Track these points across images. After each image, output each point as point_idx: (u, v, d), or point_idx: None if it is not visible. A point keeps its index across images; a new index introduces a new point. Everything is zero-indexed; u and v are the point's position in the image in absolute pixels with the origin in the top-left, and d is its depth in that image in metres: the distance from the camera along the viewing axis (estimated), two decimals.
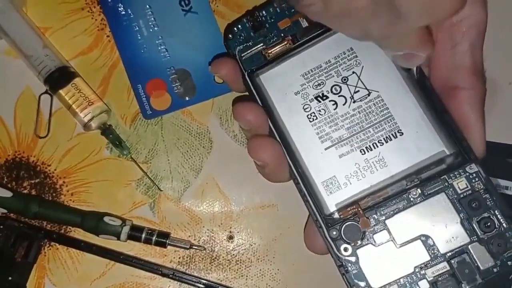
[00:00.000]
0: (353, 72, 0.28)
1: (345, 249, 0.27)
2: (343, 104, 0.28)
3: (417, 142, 0.27)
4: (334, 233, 0.27)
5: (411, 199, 0.27)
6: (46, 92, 0.35)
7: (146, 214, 0.36)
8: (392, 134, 0.27)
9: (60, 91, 0.34)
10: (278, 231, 0.36)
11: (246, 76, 0.30)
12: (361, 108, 0.27)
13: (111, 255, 0.34)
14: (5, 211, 0.34)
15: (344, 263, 0.27)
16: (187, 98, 0.36)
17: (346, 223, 0.27)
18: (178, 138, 0.36)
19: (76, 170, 0.35)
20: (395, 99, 0.27)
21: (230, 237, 0.36)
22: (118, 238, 0.34)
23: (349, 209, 0.27)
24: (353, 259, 0.27)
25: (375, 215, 0.27)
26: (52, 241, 0.35)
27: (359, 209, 0.27)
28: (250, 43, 0.30)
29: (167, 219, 0.36)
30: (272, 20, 0.30)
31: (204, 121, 0.36)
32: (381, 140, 0.27)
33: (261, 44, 0.30)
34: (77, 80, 0.35)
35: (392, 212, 0.27)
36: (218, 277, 0.35)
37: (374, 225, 0.27)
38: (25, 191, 0.35)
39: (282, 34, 0.30)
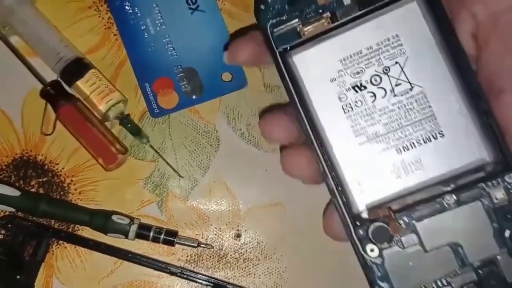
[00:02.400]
0: (396, 62, 0.25)
1: (372, 250, 0.25)
2: (382, 97, 0.25)
3: (459, 147, 0.25)
4: (361, 232, 0.25)
5: (445, 204, 0.25)
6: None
7: (154, 212, 0.36)
8: (432, 135, 0.25)
9: (78, 82, 0.34)
10: (286, 229, 0.36)
11: (278, 56, 0.26)
12: (402, 104, 0.25)
13: (119, 253, 0.34)
14: (13, 210, 0.34)
15: (369, 264, 0.25)
16: (194, 97, 0.36)
17: (376, 225, 0.25)
18: (185, 136, 0.36)
19: (84, 169, 0.36)
20: (439, 97, 0.25)
21: (238, 236, 0.36)
22: (126, 237, 0.34)
23: (379, 210, 0.25)
24: (379, 260, 0.25)
25: (405, 217, 0.25)
26: (60, 239, 0.35)
27: (391, 212, 0.25)
28: (284, 17, 0.26)
29: (175, 218, 0.36)
30: None
31: (211, 119, 0.36)
32: (419, 141, 0.25)
33: (297, 19, 0.26)
34: (94, 70, 0.35)
35: (423, 216, 0.25)
36: (225, 275, 0.35)
37: (404, 228, 0.25)
38: (33, 190, 0.35)
39: (321, 11, 0.26)
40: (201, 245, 0.35)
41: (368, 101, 0.25)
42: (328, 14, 0.26)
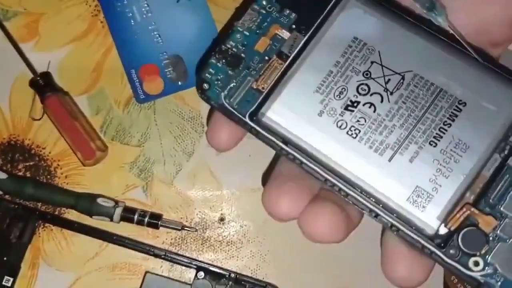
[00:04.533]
0: (372, 62, 0.23)
1: (476, 263, 0.21)
2: (381, 102, 0.23)
3: (487, 103, 0.22)
4: (452, 251, 0.21)
5: None
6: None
7: (139, 196, 0.36)
8: (454, 109, 0.22)
9: None
10: None
11: (250, 122, 0.23)
12: (404, 97, 0.23)
13: (104, 236, 0.35)
14: (0, 192, 0.34)
15: (483, 281, 0.21)
16: (179, 83, 0.37)
17: (463, 233, 0.21)
18: (170, 122, 0.37)
19: (70, 153, 0.36)
20: (434, 69, 0.23)
21: (221, 219, 0.36)
22: (111, 220, 0.34)
23: (457, 215, 0.21)
24: (490, 270, 0.21)
25: (487, 206, 0.21)
26: (47, 222, 0.35)
27: (472, 209, 0.21)
28: (233, 83, 0.24)
29: (160, 202, 0.36)
30: (246, 47, 0.24)
31: (196, 105, 0.37)
32: (446, 121, 0.22)
33: (247, 78, 0.24)
34: None
35: (504, 195, 0.21)
36: (209, 258, 0.36)
37: (495, 218, 0.21)
38: (20, 174, 0.36)
39: (266, 57, 0.24)
40: (185, 228, 0.36)
41: (369, 113, 0.23)
42: (274, 56, 0.24)
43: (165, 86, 0.37)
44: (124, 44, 0.37)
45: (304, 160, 0.23)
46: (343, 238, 0.23)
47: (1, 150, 0.36)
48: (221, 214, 0.36)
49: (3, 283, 0.34)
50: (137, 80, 0.37)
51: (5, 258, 0.34)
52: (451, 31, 0.23)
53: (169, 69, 0.37)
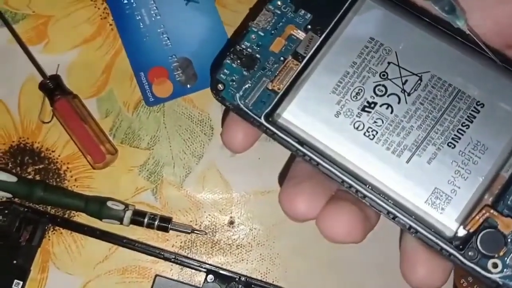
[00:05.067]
0: (389, 63, 0.23)
1: (494, 265, 0.21)
2: (398, 103, 0.22)
3: (505, 104, 0.22)
4: (471, 253, 0.21)
5: None
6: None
7: (148, 199, 0.36)
8: (472, 110, 0.22)
9: None
10: (278, 216, 0.36)
11: (266, 123, 0.23)
12: (421, 98, 0.22)
13: (114, 239, 0.35)
14: (10, 195, 0.34)
15: (502, 283, 0.21)
16: (188, 86, 0.37)
17: (481, 235, 0.21)
18: (179, 125, 0.37)
19: (79, 156, 0.36)
20: (451, 70, 0.23)
21: (231, 222, 0.36)
22: (121, 223, 0.34)
23: (476, 217, 0.21)
24: (508, 272, 0.21)
25: (506, 207, 0.21)
26: (56, 225, 0.35)
27: (491, 211, 0.21)
28: (248, 84, 0.24)
29: (169, 205, 0.36)
30: (261, 47, 0.24)
31: (205, 108, 0.37)
32: (464, 123, 0.22)
33: (263, 78, 0.24)
34: None
35: None
36: (219, 261, 0.36)
37: None
38: (30, 177, 0.36)
39: (282, 58, 0.24)
40: (195, 232, 0.36)
41: (387, 114, 0.22)
42: (290, 57, 0.24)
43: (174, 89, 0.37)
44: (133, 46, 0.37)
45: (321, 162, 0.22)
46: (362, 238, 0.22)
47: (11, 153, 0.36)
48: (231, 217, 0.36)
49: (13, 286, 0.34)
50: (146, 83, 0.37)
51: (14, 262, 0.34)
52: (470, 34, 0.23)
53: (178, 71, 0.37)
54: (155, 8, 0.37)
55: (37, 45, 0.37)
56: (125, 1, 0.37)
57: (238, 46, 0.24)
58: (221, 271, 0.35)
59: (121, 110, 0.37)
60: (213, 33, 0.37)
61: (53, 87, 0.36)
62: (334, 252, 0.36)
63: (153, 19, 0.37)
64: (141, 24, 0.37)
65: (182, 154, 0.37)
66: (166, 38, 0.37)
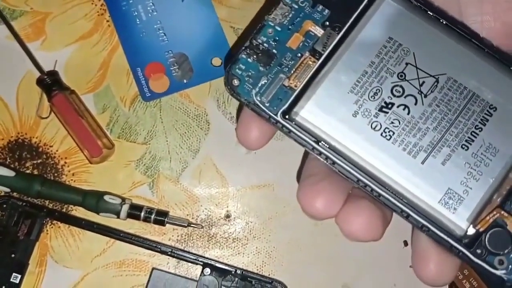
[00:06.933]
0: (407, 64, 0.23)
1: (500, 262, 0.22)
2: (415, 104, 0.23)
3: None
4: (479, 251, 0.22)
5: None
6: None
7: (145, 193, 0.37)
8: (485, 114, 0.23)
9: None
10: (274, 210, 0.37)
11: (283, 121, 0.23)
12: (438, 100, 0.23)
13: (111, 233, 0.35)
14: (8, 190, 0.35)
15: (507, 278, 0.22)
16: (185, 81, 0.37)
17: (489, 233, 0.22)
18: (176, 119, 0.37)
19: (77, 151, 0.36)
20: (467, 73, 0.23)
21: (227, 216, 0.37)
22: (118, 216, 0.35)
23: (487, 217, 0.22)
24: None
25: None
26: (54, 219, 0.36)
27: (502, 211, 0.22)
28: (265, 80, 0.23)
29: (166, 199, 0.37)
30: (278, 43, 0.23)
31: (201, 103, 0.37)
32: (477, 126, 0.22)
33: (280, 75, 0.23)
34: None
35: None
36: (215, 255, 0.36)
37: None
38: (28, 171, 0.36)
39: (299, 54, 0.23)
40: (191, 225, 0.36)
41: (403, 115, 0.23)
42: (307, 53, 0.23)
43: (170, 84, 0.37)
44: (130, 42, 0.37)
45: (337, 160, 0.22)
46: (381, 235, 0.23)
47: (9, 148, 0.37)
48: (227, 211, 0.37)
49: (11, 280, 0.35)
50: (143, 79, 0.37)
51: (13, 255, 0.35)
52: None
53: (175, 67, 0.37)
54: (151, 4, 0.38)
55: (34, 41, 0.37)
56: None
57: (254, 41, 0.23)
58: (217, 264, 0.35)
59: (118, 105, 0.37)
60: (209, 29, 0.37)
61: (50, 83, 0.36)
62: (330, 245, 0.36)
63: (150, 15, 0.38)
64: (138, 20, 0.38)
65: (178, 148, 0.37)
66: (162, 34, 0.37)
